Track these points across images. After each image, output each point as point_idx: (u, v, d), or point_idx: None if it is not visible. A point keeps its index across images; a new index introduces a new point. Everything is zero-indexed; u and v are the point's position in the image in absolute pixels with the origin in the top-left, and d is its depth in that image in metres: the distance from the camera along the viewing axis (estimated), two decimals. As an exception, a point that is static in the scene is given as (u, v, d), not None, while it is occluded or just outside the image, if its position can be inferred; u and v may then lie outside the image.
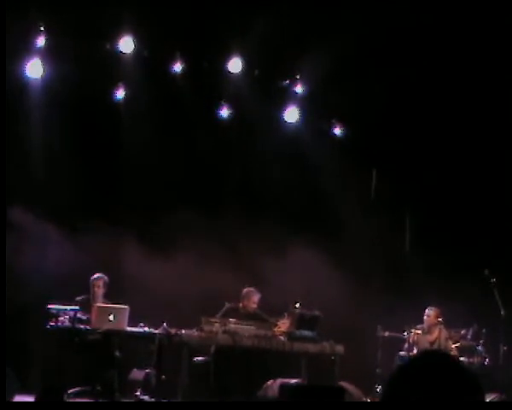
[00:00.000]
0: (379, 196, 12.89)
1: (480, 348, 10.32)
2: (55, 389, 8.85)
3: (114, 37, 11.02)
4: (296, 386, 9.61)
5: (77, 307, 9.76)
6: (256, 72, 11.81)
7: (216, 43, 11.27)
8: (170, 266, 11.15)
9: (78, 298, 10.11)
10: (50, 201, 10.92)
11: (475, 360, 10.32)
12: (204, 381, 10.04)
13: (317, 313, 10.41)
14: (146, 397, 9.62)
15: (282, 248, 11.79)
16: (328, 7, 10.88)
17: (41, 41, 10.68)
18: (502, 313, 10.44)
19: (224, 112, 12.22)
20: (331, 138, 12.64)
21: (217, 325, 9.94)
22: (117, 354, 9.91)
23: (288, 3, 10.64)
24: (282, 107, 12.34)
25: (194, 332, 9.87)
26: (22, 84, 10.88)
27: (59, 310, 9.64)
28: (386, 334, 10.64)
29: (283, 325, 10.32)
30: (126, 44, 11.07)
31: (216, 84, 11.84)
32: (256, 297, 10.69)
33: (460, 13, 10.61)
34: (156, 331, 9.76)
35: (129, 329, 9.80)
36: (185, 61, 11.54)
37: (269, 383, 9.94)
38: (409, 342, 10.61)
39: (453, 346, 10.55)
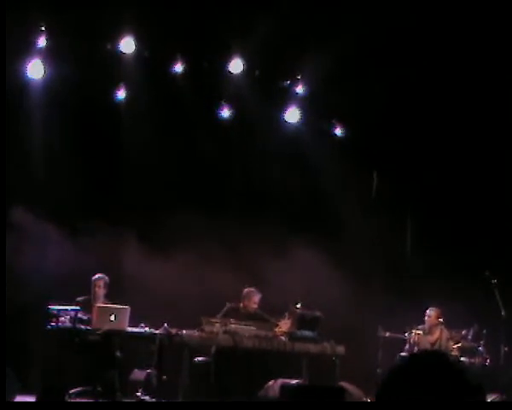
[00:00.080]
0: (379, 197, 12.89)
1: (480, 348, 10.33)
2: (56, 389, 8.86)
3: (115, 37, 11.01)
4: (297, 386, 9.61)
5: (77, 308, 9.76)
6: (257, 72, 11.81)
7: (216, 43, 11.28)
8: (170, 267, 11.15)
9: (79, 298, 10.11)
10: (51, 201, 10.92)
11: (476, 360, 10.33)
12: (205, 381, 10.05)
13: (317, 313, 10.41)
14: (147, 397, 9.62)
15: (282, 248, 11.79)
16: (329, 7, 10.88)
17: (42, 41, 10.67)
18: (502, 313, 10.45)
19: (225, 112, 12.22)
20: (332, 139, 12.64)
21: (217, 325, 9.94)
22: (118, 354, 9.91)
23: (288, 4, 10.64)
24: (282, 107, 12.34)
25: (195, 333, 9.87)
26: (23, 84, 10.87)
27: (59, 310, 9.65)
28: (387, 334, 10.64)
29: (284, 325, 10.32)
30: (127, 45, 11.07)
31: (216, 84, 11.84)
32: (257, 297, 10.69)
33: (460, 13, 10.62)
34: (157, 332, 9.76)
35: (130, 329, 9.80)
36: (186, 61, 11.54)
37: (270, 383, 9.94)
38: (410, 343, 10.61)
39: (454, 346, 10.55)
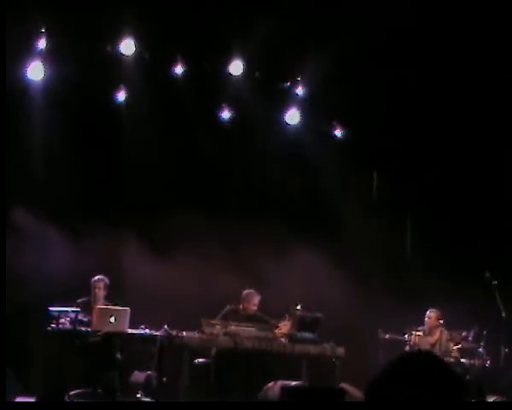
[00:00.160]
0: (379, 197, 12.89)
1: (481, 349, 10.32)
2: (56, 390, 8.88)
3: (115, 39, 11.00)
4: (297, 388, 9.62)
5: (78, 309, 9.76)
6: (257, 74, 11.81)
7: (217, 45, 11.27)
8: (170, 268, 11.16)
9: (79, 300, 10.11)
10: (51, 202, 10.93)
11: (476, 361, 10.32)
12: (205, 383, 10.06)
13: (317, 314, 10.42)
14: (147, 399, 9.63)
15: (283, 249, 11.80)
16: (329, 8, 10.88)
17: (42, 43, 10.67)
18: (503, 315, 10.45)
19: (225, 114, 12.22)
20: (332, 140, 12.64)
21: (218, 327, 9.95)
22: (118, 356, 9.91)
23: (288, 5, 10.64)
24: (283, 109, 12.34)
25: (195, 334, 9.88)
26: (23, 86, 10.87)
27: (60, 312, 9.65)
28: (387, 336, 10.62)
29: (284, 326, 10.33)
30: (127, 47, 11.05)
31: (217, 86, 11.84)
32: (256, 299, 10.69)
33: (459, 13, 10.61)
34: (157, 333, 9.77)
35: (130, 331, 9.81)
36: (186, 63, 11.53)
37: (269, 385, 9.95)
38: (410, 344, 10.59)
39: (454, 348, 10.55)
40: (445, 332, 10.81)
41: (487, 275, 10.58)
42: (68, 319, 9.65)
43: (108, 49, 11.06)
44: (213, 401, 9.63)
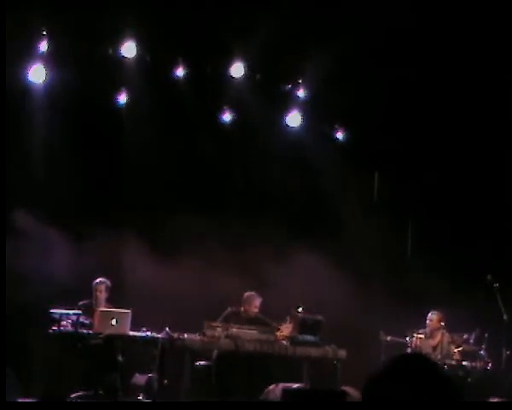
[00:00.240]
0: (380, 199, 12.89)
1: (482, 352, 10.31)
2: (58, 393, 8.88)
3: (117, 41, 11.01)
4: (298, 390, 9.62)
5: (79, 312, 9.77)
6: (258, 76, 11.81)
7: (218, 47, 11.28)
8: (171, 270, 11.15)
9: (81, 303, 10.12)
10: (52, 204, 10.92)
11: (478, 364, 10.31)
12: (206, 385, 10.05)
13: (319, 317, 10.42)
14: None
15: (284, 251, 11.79)
16: (329, 10, 10.88)
17: (44, 46, 10.68)
18: (504, 317, 10.45)
19: (226, 116, 12.23)
20: (333, 142, 12.64)
21: (219, 329, 9.95)
22: (119, 358, 9.91)
23: (288, 7, 10.64)
24: (284, 111, 12.34)
25: (197, 337, 9.89)
26: (25, 89, 10.87)
27: (61, 314, 9.65)
28: (389, 338, 10.61)
29: (286, 329, 10.33)
30: (129, 49, 11.06)
31: (218, 88, 11.84)
32: (257, 301, 10.69)
33: (459, 12, 10.61)
34: (158, 336, 9.78)
35: (131, 333, 9.82)
36: (187, 65, 11.55)
37: (271, 387, 9.94)
38: (411, 347, 10.58)
39: (456, 350, 10.54)
40: (447, 335, 10.79)
41: (489, 277, 10.58)
42: (70, 321, 9.66)
43: (110, 51, 11.06)
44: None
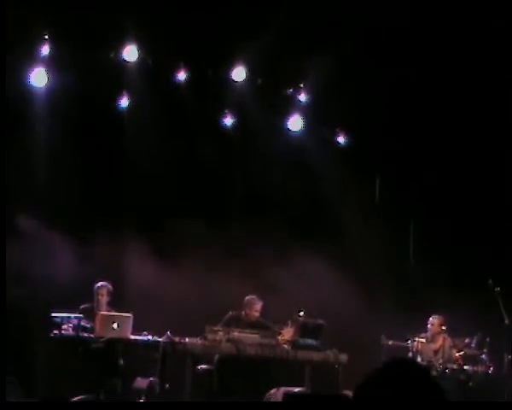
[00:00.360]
0: (382, 204, 12.89)
1: (484, 356, 10.30)
2: (59, 397, 8.87)
3: (118, 45, 11.03)
4: (300, 394, 9.61)
5: (80, 316, 9.77)
6: (259, 80, 11.83)
7: (219, 51, 11.29)
8: (173, 274, 11.15)
9: (82, 306, 10.12)
10: (54, 208, 10.92)
11: (479, 368, 10.31)
12: (207, 389, 10.06)
13: (320, 321, 10.42)
14: (150, 406, 9.63)
15: (285, 255, 11.79)
16: (331, 14, 10.90)
17: (45, 50, 10.69)
18: (506, 321, 10.44)
19: (228, 120, 12.23)
20: (334, 146, 12.64)
21: (220, 333, 9.96)
22: (121, 362, 9.91)
23: (290, 11, 10.65)
24: (285, 115, 12.35)
25: (198, 341, 9.89)
26: (26, 93, 10.88)
27: (62, 318, 9.65)
28: (390, 343, 10.60)
29: (287, 333, 10.33)
30: (130, 53, 11.08)
31: (219, 92, 11.85)
32: (258, 305, 10.69)
33: (461, 20, 10.63)
34: (160, 340, 9.78)
35: (133, 337, 9.82)
36: (189, 69, 11.56)
37: (272, 391, 9.92)
38: (412, 351, 10.58)
39: (457, 354, 10.52)
40: (448, 339, 10.78)
41: (490, 282, 10.57)
42: (71, 325, 9.65)
43: (111, 55, 11.08)
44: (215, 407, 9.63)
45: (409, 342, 10.66)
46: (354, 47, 10.76)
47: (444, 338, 10.80)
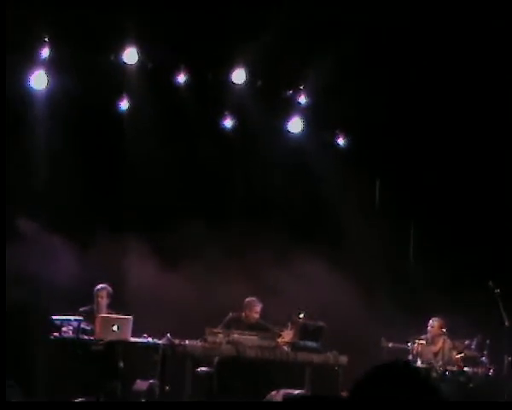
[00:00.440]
0: (382, 206, 12.89)
1: (484, 358, 10.30)
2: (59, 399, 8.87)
3: (118, 48, 11.04)
4: (299, 397, 9.60)
5: (80, 318, 9.77)
6: (259, 82, 11.83)
7: (219, 54, 11.30)
8: (173, 276, 11.16)
9: (82, 309, 10.12)
10: (54, 211, 10.93)
11: (479, 370, 10.30)
12: (207, 392, 10.05)
13: (320, 323, 10.42)
14: (149, 408, 9.64)
15: (285, 257, 11.79)
16: (331, 17, 10.90)
17: (45, 52, 10.70)
18: (506, 323, 10.44)
19: (228, 122, 12.24)
20: (335, 149, 12.65)
21: (220, 335, 9.96)
22: (121, 364, 9.89)
23: (290, 12, 10.66)
24: (285, 117, 12.35)
25: (198, 343, 9.89)
26: (26, 95, 10.89)
27: (62, 321, 9.66)
28: (390, 345, 10.60)
29: (287, 335, 10.33)
30: (130, 56, 11.08)
31: (219, 94, 11.86)
32: (258, 307, 10.69)
33: (460, 22, 10.64)
34: (160, 342, 9.78)
35: (133, 339, 9.82)
36: (189, 72, 11.57)
37: (272, 393, 9.92)
38: (413, 353, 10.58)
39: (457, 356, 10.52)
40: (448, 341, 10.78)
41: (490, 284, 10.57)
42: (71, 327, 9.66)
43: (111, 57, 11.09)
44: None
45: (409, 344, 10.66)
46: (354, 47, 10.76)
47: (444, 340, 10.80)
